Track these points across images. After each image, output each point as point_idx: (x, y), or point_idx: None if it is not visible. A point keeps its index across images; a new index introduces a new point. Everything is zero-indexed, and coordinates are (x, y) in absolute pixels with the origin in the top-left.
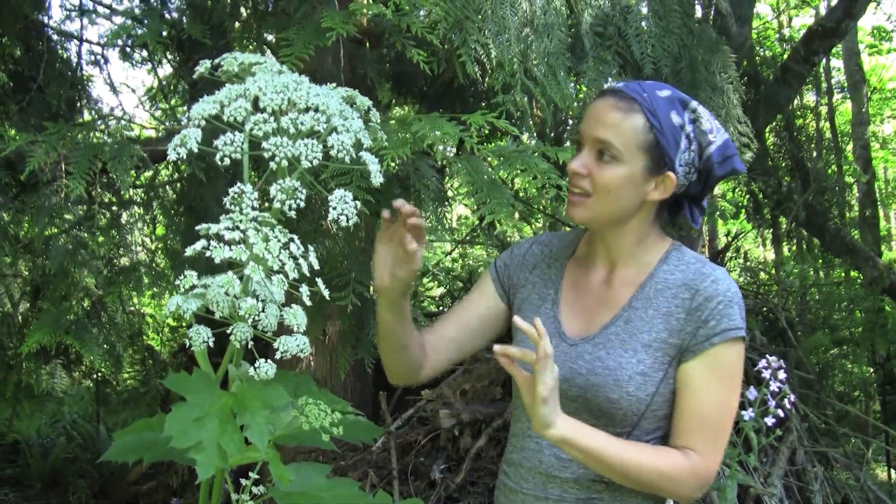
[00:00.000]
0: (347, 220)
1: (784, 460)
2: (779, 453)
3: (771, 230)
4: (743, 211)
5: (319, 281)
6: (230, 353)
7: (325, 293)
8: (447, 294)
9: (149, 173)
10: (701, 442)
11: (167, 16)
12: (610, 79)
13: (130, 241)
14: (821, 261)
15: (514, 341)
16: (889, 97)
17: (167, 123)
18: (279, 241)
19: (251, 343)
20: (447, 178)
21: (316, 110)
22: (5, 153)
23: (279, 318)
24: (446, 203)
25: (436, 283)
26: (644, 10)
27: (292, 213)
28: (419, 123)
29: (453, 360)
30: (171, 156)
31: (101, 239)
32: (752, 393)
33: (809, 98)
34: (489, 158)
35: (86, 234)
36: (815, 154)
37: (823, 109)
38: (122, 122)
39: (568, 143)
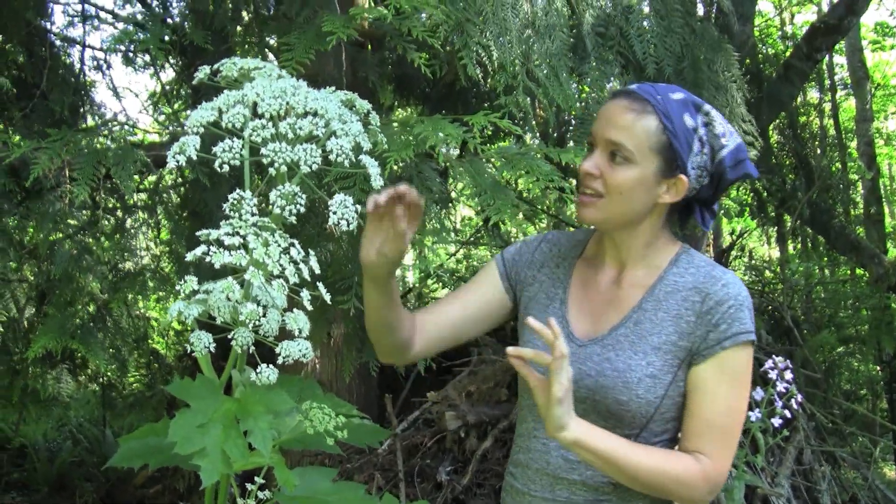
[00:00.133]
0: (348, 225)
1: (791, 460)
2: (786, 453)
3: (776, 228)
4: (747, 209)
5: (321, 285)
6: (233, 359)
7: (327, 297)
8: None
9: (153, 178)
10: (711, 445)
11: (169, 21)
12: (612, 79)
13: (135, 246)
14: (826, 258)
15: (520, 341)
16: (893, 93)
17: (170, 128)
18: (279, 245)
19: (252, 348)
20: (450, 180)
21: (315, 115)
22: (10, 160)
23: (281, 322)
24: (450, 205)
25: (440, 284)
26: (646, 10)
27: (292, 219)
28: (422, 125)
29: (446, 346)
30: (171, 163)
31: (105, 244)
32: (758, 393)
33: (812, 95)
34: (492, 160)
35: (90, 240)
36: (818, 151)
37: (827, 106)
38: (126, 127)
39: (571, 144)
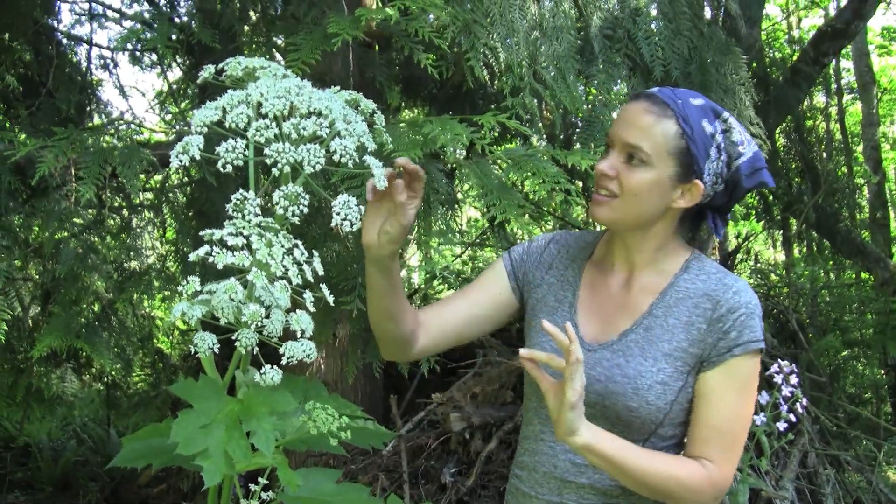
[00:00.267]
0: (351, 226)
1: (796, 463)
2: (790, 456)
3: (781, 232)
4: (753, 212)
5: (324, 286)
6: (237, 359)
7: (330, 298)
8: None
9: (159, 177)
10: (717, 452)
11: (176, 20)
12: (620, 81)
13: (140, 245)
14: (831, 262)
15: (527, 343)
16: None
17: (177, 127)
18: (283, 246)
19: (256, 349)
20: (457, 181)
21: (318, 115)
22: (16, 158)
23: (285, 323)
24: (456, 206)
25: (445, 285)
26: (653, 13)
27: (295, 219)
28: (430, 125)
29: (450, 344)
30: (174, 163)
31: (111, 243)
32: (763, 397)
33: (819, 99)
34: (499, 161)
35: (96, 239)
36: (825, 155)
37: (833, 111)
38: (132, 126)
39: (578, 146)
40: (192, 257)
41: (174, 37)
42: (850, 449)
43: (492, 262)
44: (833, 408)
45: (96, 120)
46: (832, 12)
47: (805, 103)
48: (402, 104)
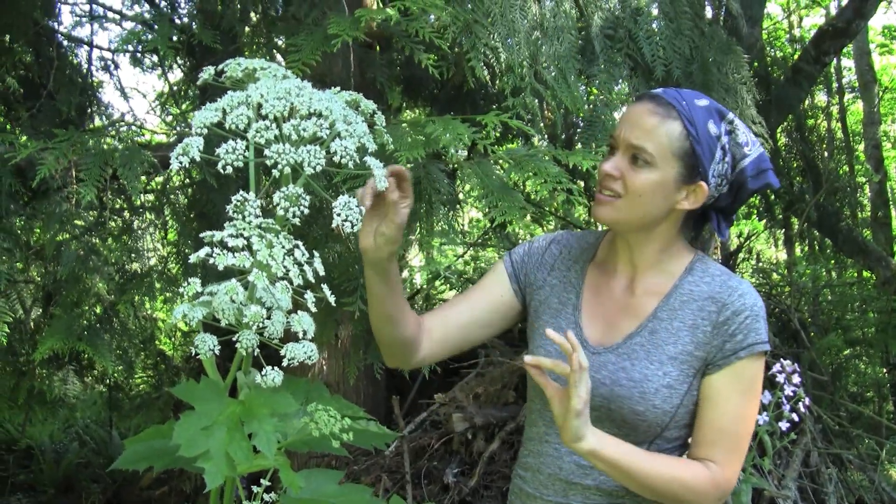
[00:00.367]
0: (352, 227)
1: (798, 462)
2: (793, 456)
3: (783, 231)
4: (755, 211)
5: (325, 287)
6: (238, 361)
7: (331, 299)
8: None
9: (160, 179)
10: (721, 454)
11: (177, 21)
12: (621, 81)
13: (142, 247)
14: (833, 261)
15: (530, 345)
16: None
17: (178, 128)
18: (283, 247)
19: (257, 350)
20: (458, 181)
21: (319, 116)
22: (16, 160)
23: (286, 324)
24: (457, 206)
25: (447, 286)
26: (654, 12)
27: (296, 220)
28: (433, 125)
29: (454, 350)
30: (174, 165)
31: (112, 245)
32: (766, 397)
33: (820, 98)
34: (500, 161)
35: (97, 240)
36: (826, 154)
37: (834, 110)
38: (133, 127)
39: (579, 146)
40: (192, 259)
41: (175, 38)
42: (852, 448)
43: (493, 263)
44: (835, 407)
45: (97, 122)
46: (833, 11)
47: (806, 102)
48: (404, 105)
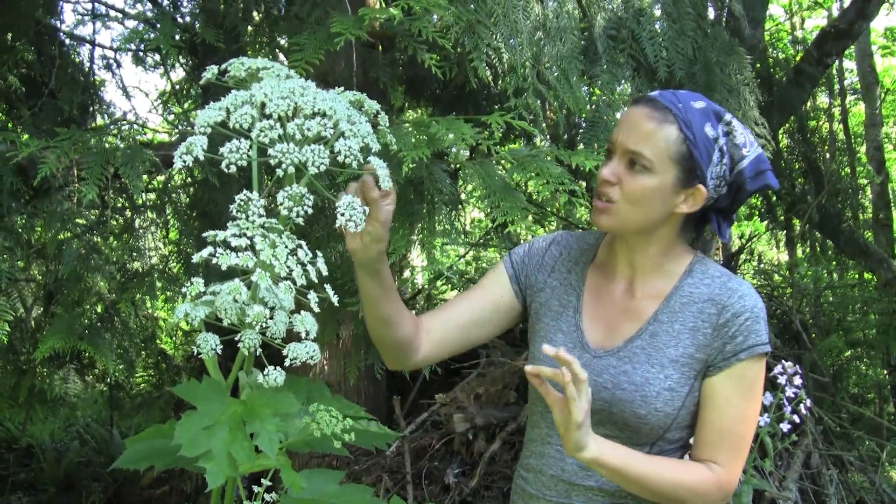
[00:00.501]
0: (356, 227)
1: (799, 464)
2: (794, 457)
3: (784, 232)
4: (756, 213)
5: (328, 287)
6: (240, 361)
7: (334, 299)
8: None
9: (162, 178)
10: (724, 455)
11: (180, 20)
12: (623, 81)
13: (143, 246)
14: (834, 263)
15: (531, 348)
16: None
17: (180, 127)
18: (286, 247)
19: (259, 350)
20: (460, 181)
21: (323, 115)
22: (18, 159)
23: (288, 324)
24: (460, 206)
25: (449, 286)
26: (657, 13)
27: (300, 220)
28: (436, 126)
29: (454, 350)
30: (178, 164)
31: (114, 244)
32: (767, 398)
33: (822, 100)
34: (503, 162)
35: (98, 239)
36: (828, 156)
37: (836, 111)
38: (135, 126)
39: (581, 146)
40: (195, 258)
41: (177, 37)
42: (853, 449)
43: (494, 263)
44: (836, 408)
45: (99, 120)
46: (835, 13)
47: (808, 104)
48: (406, 104)
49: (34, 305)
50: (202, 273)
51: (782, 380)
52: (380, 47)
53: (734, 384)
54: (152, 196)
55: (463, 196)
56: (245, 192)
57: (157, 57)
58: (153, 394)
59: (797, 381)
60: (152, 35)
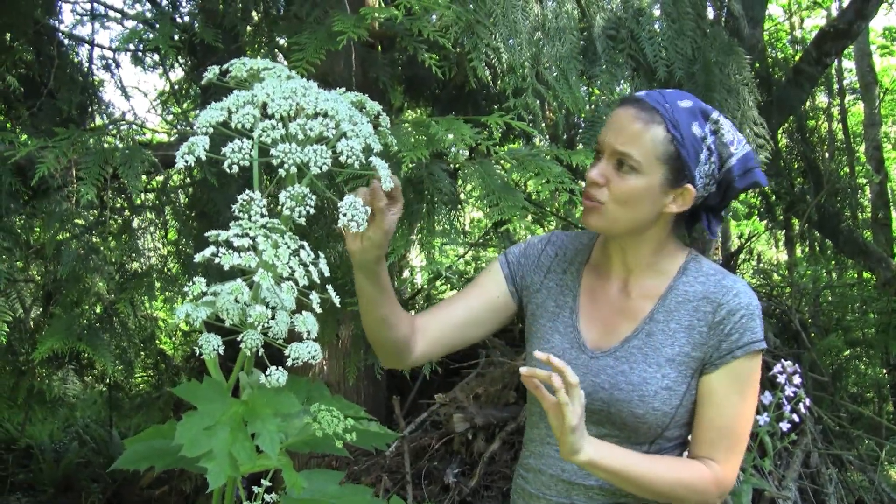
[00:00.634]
0: (358, 227)
1: (798, 463)
2: (793, 456)
3: (784, 231)
4: (756, 212)
5: (330, 287)
6: (241, 361)
7: (336, 300)
8: None
9: (161, 178)
10: (721, 452)
11: (179, 20)
12: (622, 81)
13: (142, 246)
14: (834, 262)
15: (528, 349)
16: None
17: (179, 127)
18: (289, 247)
19: (261, 350)
20: (460, 181)
21: (325, 116)
22: (16, 159)
23: (290, 324)
24: (459, 206)
25: (448, 285)
26: (657, 13)
27: (302, 220)
28: (436, 126)
29: (449, 348)
30: (179, 164)
31: (112, 244)
32: (767, 397)
33: (821, 99)
34: (502, 161)
35: (97, 240)
36: (827, 155)
37: (835, 111)
38: (134, 126)
39: (581, 146)
40: (198, 258)
41: (176, 37)
42: (852, 448)
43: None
44: (835, 407)
45: (98, 120)
46: (834, 13)
47: (807, 103)
48: (405, 104)
49: (33, 306)
50: (201, 273)
51: (781, 379)
52: (379, 47)
53: (731, 381)
54: (151, 196)
55: (462, 196)
56: (248, 191)
57: (156, 57)
58: (152, 394)
59: (796, 380)
60: (151, 35)
